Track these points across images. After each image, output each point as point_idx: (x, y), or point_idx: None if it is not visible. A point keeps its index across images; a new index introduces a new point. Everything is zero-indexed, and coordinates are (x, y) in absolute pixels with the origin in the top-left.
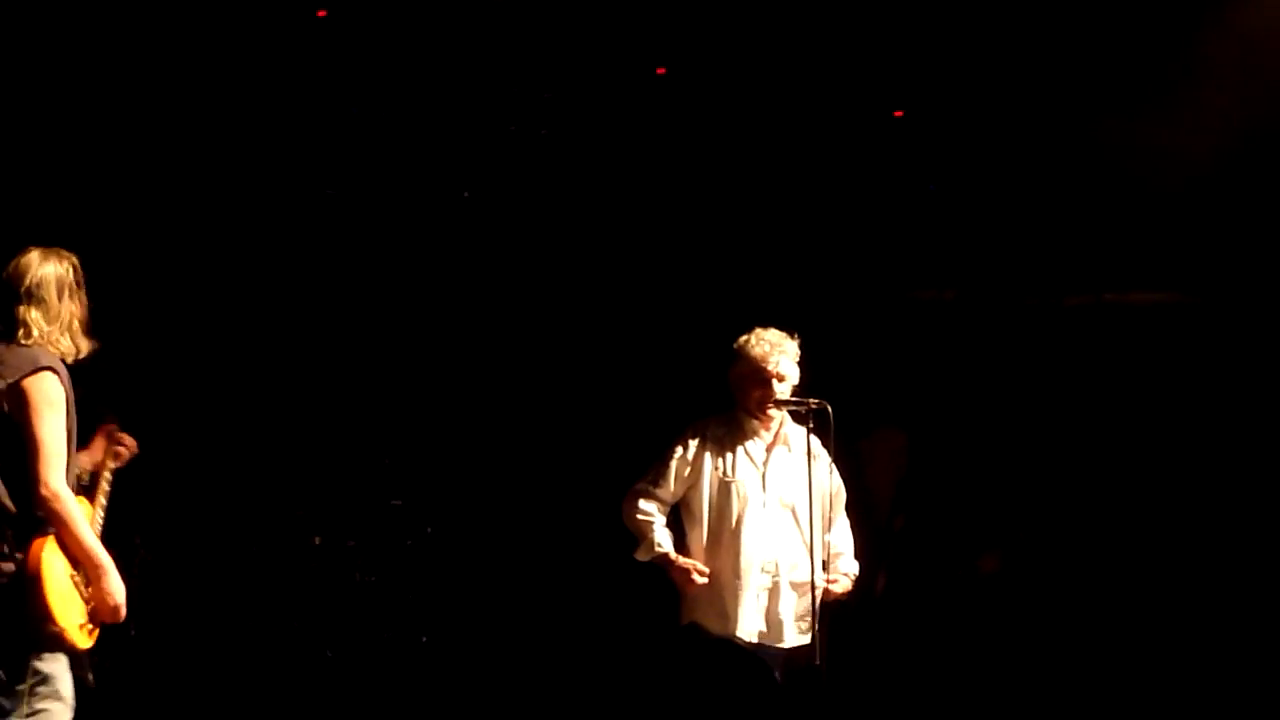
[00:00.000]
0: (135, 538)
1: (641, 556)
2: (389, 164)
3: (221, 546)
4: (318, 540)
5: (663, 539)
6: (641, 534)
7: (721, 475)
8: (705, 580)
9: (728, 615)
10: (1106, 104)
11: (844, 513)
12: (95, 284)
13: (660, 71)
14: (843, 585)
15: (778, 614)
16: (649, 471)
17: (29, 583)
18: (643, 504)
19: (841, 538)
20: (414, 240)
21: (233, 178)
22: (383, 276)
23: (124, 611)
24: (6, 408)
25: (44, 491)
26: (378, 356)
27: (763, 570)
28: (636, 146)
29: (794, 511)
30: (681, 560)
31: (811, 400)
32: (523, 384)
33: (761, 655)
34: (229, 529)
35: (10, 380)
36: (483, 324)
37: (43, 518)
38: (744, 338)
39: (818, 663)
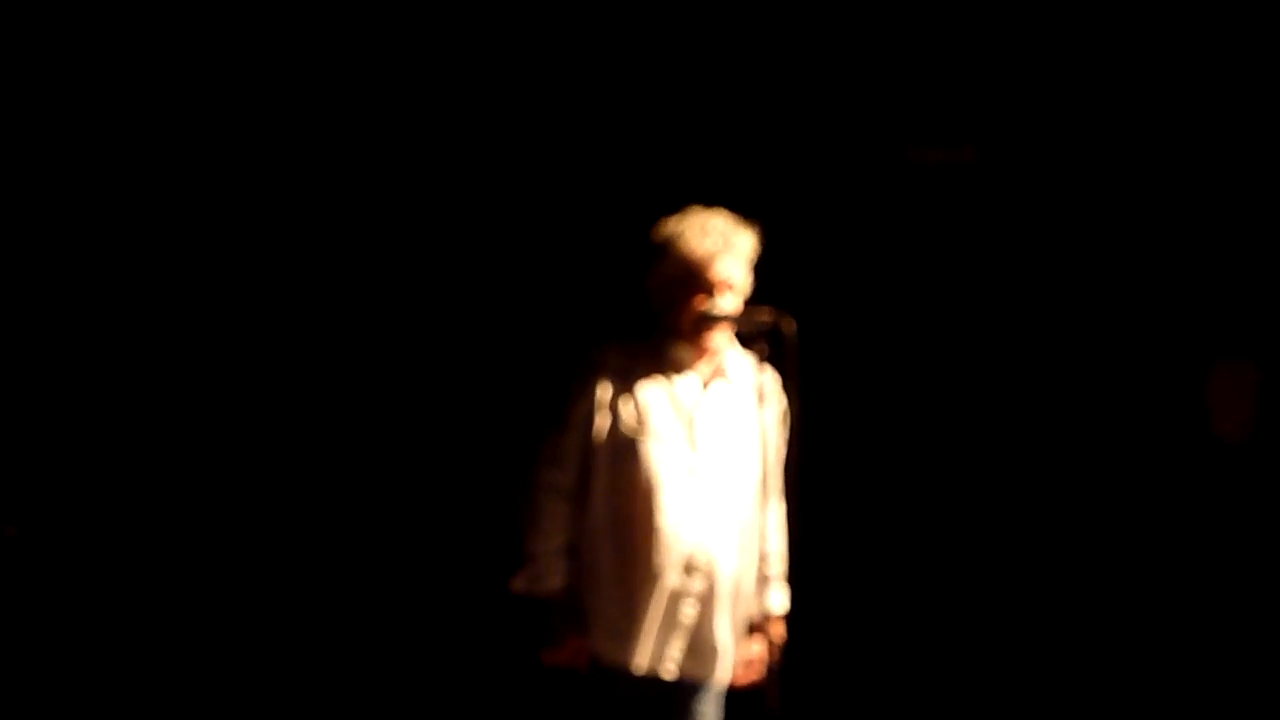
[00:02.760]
0: None
1: (518, 587)
2: None
3: None
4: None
5: (554, 572)
6: (530, 554)
7: (630, 428)
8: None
9: (627, 636)
10: None
11: (779, 492)
12: None
13: None
14: (756, 654)
15: (712, 635)
16: (545, 446)
17: None
18: (546, 508)
19: (772, 538)
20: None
21: None
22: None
23: None
24: None
25: None
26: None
27: (688, 570)
28: None
29: (742, 478)
30: (569, 633)
31: (764, 312)
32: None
33: (680, 693)
34: None
35: None
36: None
37: None
38: (674, 225)
39: (772, 706)
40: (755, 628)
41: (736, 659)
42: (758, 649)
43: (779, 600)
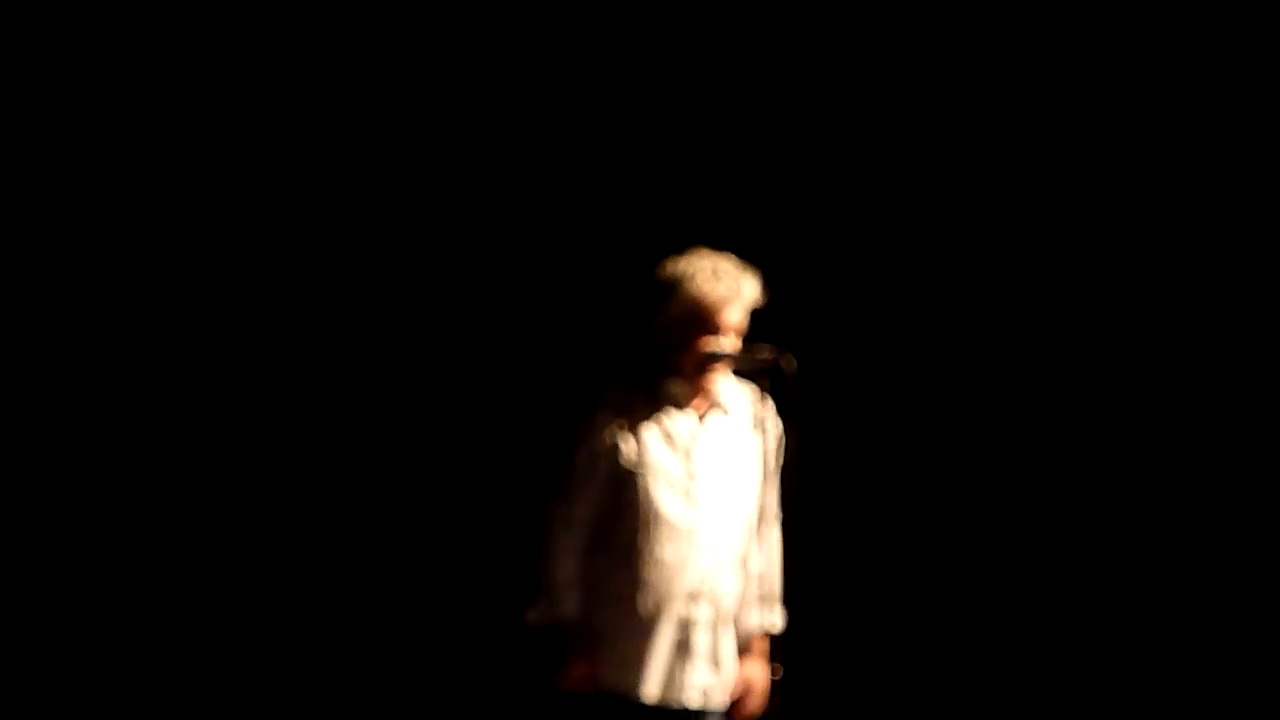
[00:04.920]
0: None
1: (533, 618)
2: None
3: None
4: None
5: (568, 600)
6: (545, 584)
7: (630, 463)
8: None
9: (631, 665)
10: None
11: (776, 516)
12: None
13: None
14: (756, 686)
15: (721, 660)
16: (560, 484)
17: None
18: (561, 542)
19: (763, 559)
20: None
21: None
22: None
23: None
24: None
25: None
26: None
27: (693, 598)
28: None
29: (741, 505)
30: (581, 660)
31: (765, 350)
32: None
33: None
34: None
35: None
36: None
37: None
38: (682, 266)
39: None
40: (747, 649)
41: (738, 682)
42: (757, 671)
43: (777, 619)
